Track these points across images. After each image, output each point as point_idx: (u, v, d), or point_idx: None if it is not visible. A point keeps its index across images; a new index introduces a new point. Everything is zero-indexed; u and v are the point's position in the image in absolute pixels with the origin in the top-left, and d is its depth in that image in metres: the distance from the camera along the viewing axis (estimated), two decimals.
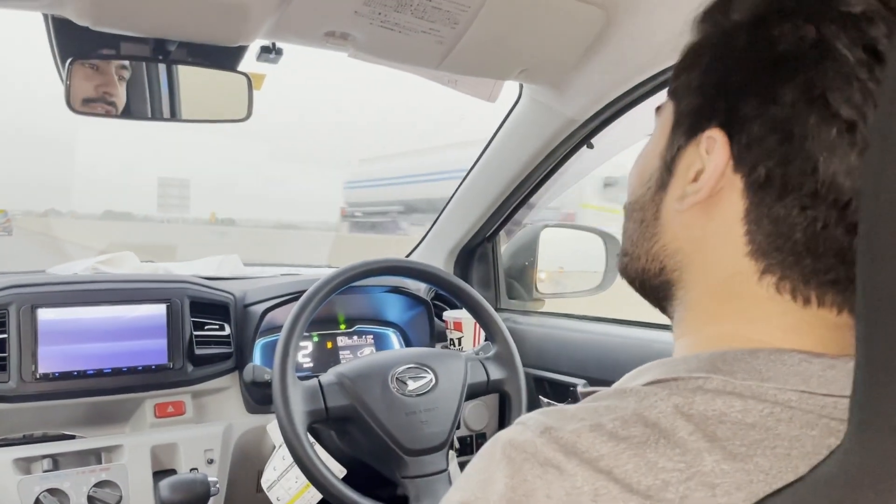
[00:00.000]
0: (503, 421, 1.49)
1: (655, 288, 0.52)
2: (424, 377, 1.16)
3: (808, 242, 0.43)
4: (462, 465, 1.40)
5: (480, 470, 0.43)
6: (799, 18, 0.43)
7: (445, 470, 1.13)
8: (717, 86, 0.46)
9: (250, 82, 1.07)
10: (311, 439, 1.13)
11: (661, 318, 0.55)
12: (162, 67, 1.06)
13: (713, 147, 0.45)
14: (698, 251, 0.48)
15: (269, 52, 1.07)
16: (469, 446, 1.52)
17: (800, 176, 0.42)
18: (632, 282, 0.54)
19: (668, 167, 0.49)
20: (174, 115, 1.10)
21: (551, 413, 0.44)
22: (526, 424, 0.43)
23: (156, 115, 1.10)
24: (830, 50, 0.41)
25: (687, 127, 0.48)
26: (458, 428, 1.17)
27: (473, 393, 1.20)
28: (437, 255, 1.73)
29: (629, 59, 1.08)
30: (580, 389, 0.53)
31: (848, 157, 0.41)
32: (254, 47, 1.06)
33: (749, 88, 0.44)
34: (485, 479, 0.42)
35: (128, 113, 1.07)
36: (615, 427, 0.40)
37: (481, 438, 1.54)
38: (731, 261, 0.46)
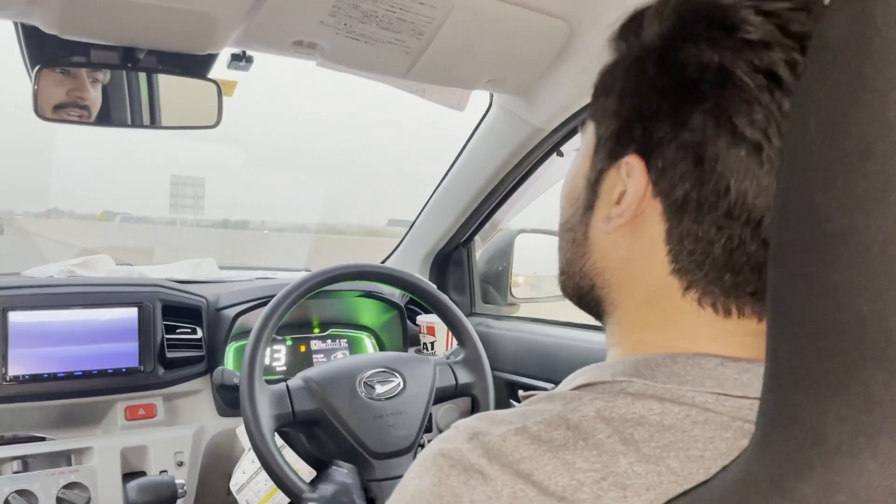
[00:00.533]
0: None
1: (589, 303, 0.53)
2: (392, 381, 1.17)
3: (727, 259, 0.45)
4: None
5: (412, 479, 0.44)
6: (702, 44, 0.44)
7: None
8: (631, 111, 0.47)
9: (220, 89, 1.08)
10: (281, 442, 1.14)
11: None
12: (142, 75, 1.07)
13: (632, 172, 0.47)
14: (624, 269, 0.49)
15: (240, 60, 1.09)
16: None
17: (714, 197, 0.44)
18: (570, 298, 0.56)
19: (593, 188, 0.50)
20: (154, 122, 1.11)
21: (483, 417, 0.45)
22: (458, 429, 0.45)
23: (135, 122, 1.11)
24: (732, 76, 0.43)
25: (607, 151, 0.49)
26: (429, 431, 1.18)
27: (442, 397, 1.22)
28: (413, 260, 1.75)
29: (593, 71, 1.09)
30: (521, 393, 0.55)
31: (757, 176, 0.43)
32: (224, 55, 1.08)
33: (661, 114, 0.45)
34: (415, 488, 0.44)
35: (106, 119, 1.08)
36: (539, 430, 0.42)
37: None
38: (656, 278, 0.47)
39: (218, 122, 1.09)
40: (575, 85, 1.14)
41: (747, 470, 0.39)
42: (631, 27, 0.50)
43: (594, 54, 1.08)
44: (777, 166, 0.40)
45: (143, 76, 1.07)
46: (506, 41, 1.04)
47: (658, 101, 0.46)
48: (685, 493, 0.40)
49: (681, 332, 0.47)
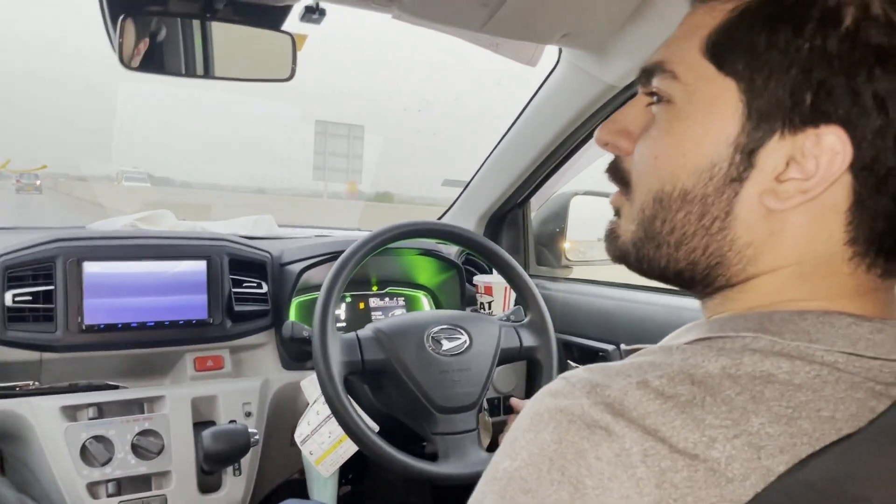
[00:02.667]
0: (531, 385, 1.51)
1: (695, 278, 0.49)
2: (459, 338, 1.17)
3: None
4: (495, 425, 1.43)
5: (527, 434, 0.42)
6: None
7: (475, 429, 1.15)
8: (833, 75, 0.41)
9: (294, 42, 1.07)
10: (348, 395, 1.16)
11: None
12: (196, 24, 1.06)
13: (821, 144, 0.42)
14: (776, 242, 0.45)
15: (313, 13, 1.08)
16: (497, 408, 1.54)
17: None
18: (650, 269, 0.51)
19: (749, 158, 0.44)
20: (207, 73, 1.10)
21: (595, 370, 0.44)
22: (571, 382, 0.43)
23: (189, 72, 1.10)
24: None
25: (784, 118, 0.43)
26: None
27: (506, 358, 1.22)
28: (468, 220, 1.74)
29: (675, 24, 1.07)
30: (623, 347, 0.54)
31: None
32: (297, 7, 1.07)
33: (874, 76, 0.41)
34: (532, 444, 0.42)
35: (160, 67, 1.08)
36: (662, 385, 0.40)
37: (509, 401, 1.56)
38: (820, 248, 0.44)
39: (292, 76, 1.08)
40: (652, 39, 1.11)
41: None
42: None
43: (675, 6, 1.05)
44: None
45: (197, 28, 1.06)
46: None
47: (873, 61, 0.41)
48: (834, 443, 0.39)
49: (823, 290, 0.45)
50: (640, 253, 0.50)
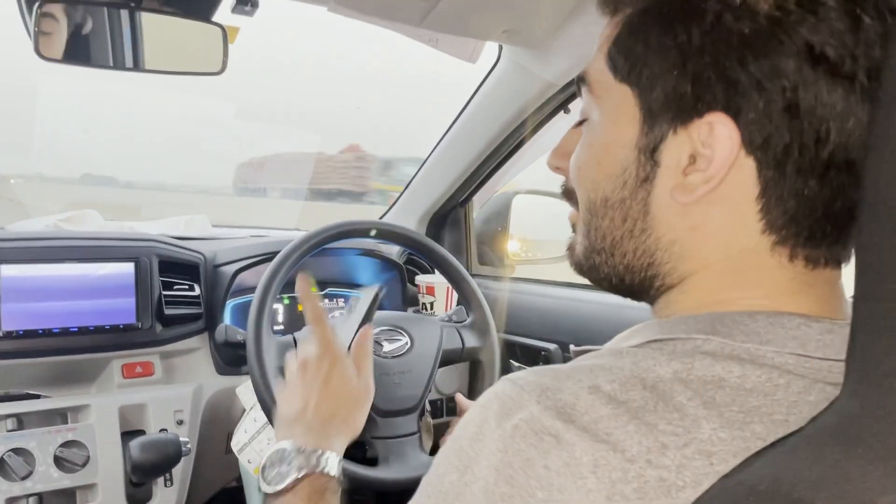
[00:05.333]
0: (474, 386, 1.50)
1: (637, 284, 0.50)
2: (400, 340, 1.15)
3: (826, 210, 0.42)
4: (438, 427, 1.41)
5: (475, 444, 0.41)
6: None
7: (416, 433, 1.13)
8: (705, 65, 0.43)
9: (226, 34, 1.03)
10: None
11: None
12: (125, 14, 1.01)
13: (713, 132, 0.43)
14: (699, 236, 0.46)
15: (245, 5, 1.04)
16: (440, 410, 1.52)
17: (814, 146, 0.41)
18: (602, 279, 0.52)
19: (651, 158, 0.46)
20: (137, 65, 1.05)
21: (544, 372, 0.43)
22: (519, 386, 0.42)
23: (118, 64, 1.05)
24: (818, 6, 0.40)
25: (673, 114, 0.44)
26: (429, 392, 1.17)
27: (448, 359, 1.20)
28: (409, 219, 1.72)
29: None
30: (573, 348, 0.53)
31: (855, 113, 0.40)
32: None
33: (745, 62, 0.41)
34: (480, 455, 0.41)
35: (86, 59, 1.03)
36: (613, 389, 0.40)
37: (451, 402, 1.55)
38: (741, 239, 0.44)
39: (223, 69, 1.04)
40: (591, 38, 1.11)
41: (840, 418, 0.38)
42: None
43: None
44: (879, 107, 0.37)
45: (125, 18, 1.02)
46: None
47: (740, 49, 0.41)
48: (774, 443, 0.38)
49: (761, 288, 0.45)
50: (588, 264, 0.52)
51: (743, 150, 0.42)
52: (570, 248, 0.55)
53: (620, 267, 0.49)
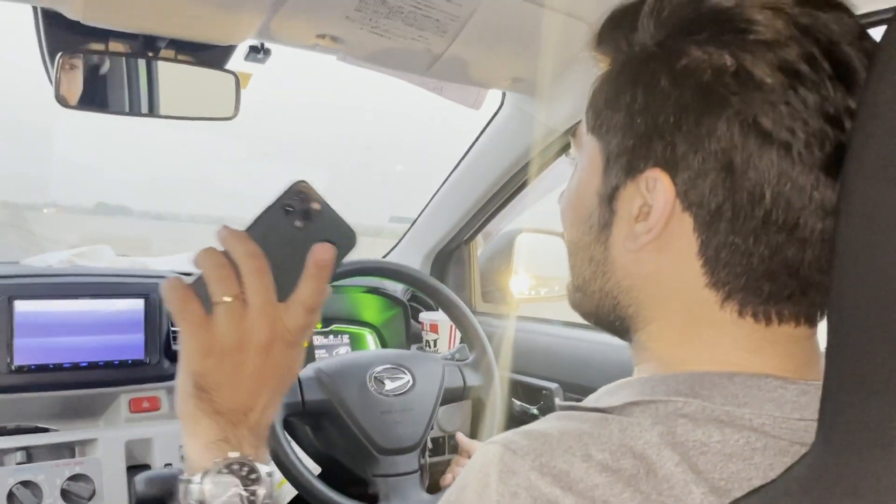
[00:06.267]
0: (476, 424, 1.51)
1: (611, 321, 0.52)
2: (402, 378, 1.17)
3: (765, 267, 0.44)
4: (433, 466, 1.42)
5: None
6: (711, 47, 0.43)
7: (417, 471, 1.14)
8: (647, 126, 0.46)
9: (238, 81, 1.07)
10: (288, 437, 1.14)
11: None
12: (141, 63, 1.05)
13: (655, 186, 0.45)
14: (654, 285, 0.48)
15: (258, 52, 1.08)
16: (441, 447, 1.53)
17: (749, 205, 0.43)
18: (586, 316, 0.55)
19: (609, 206, 0.49)
20: (152, 111, 1.09)
21: (534, 436, 0.44)
22: (513, 451, 0.43)
23: (133, 110, 1.09)
24: (752, 77, 0.42)
25: (623, 165, 0.47)
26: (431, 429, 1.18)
27: (450, 398, 1.22)
28: (414, 257, 1.75)
29: None
30: (558, 403, 0.54)
31: (790, 177, 0.42)
32: (242, 46, 1.07)
33: (682, 125, 0.44)
34: None
35: (103, 106, 1.06)
36: (605, 458, 0.41)
37: (453, 440, 1.56)
38: (691, 292, 0.46)
39: (235, 115, 1.08)
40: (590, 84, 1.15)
41: (811, 471, 0.40)
42: (620, 29, 0.48)
43: None
44: (845, 166, 0.39)
45: (142, 66, 1.06)
46: (527, 41, 1.04)
47: (677, 112, 0.44)
48: (747, 495, 0.40)
49: (722, 345, 0.46)
50: (573, 300, 0.55)
51: (680, 205, 0.45)
52: (567, 287, 0.57)
53: (592, 306, 0.53)
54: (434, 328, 1.55)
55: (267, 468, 0.50)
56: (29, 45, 1.03)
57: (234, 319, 0.50)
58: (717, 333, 0.46)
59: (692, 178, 0.44)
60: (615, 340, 0.56)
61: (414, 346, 1.60)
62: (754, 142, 0.42)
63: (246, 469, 0.49)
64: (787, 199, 0.42)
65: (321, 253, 0.52)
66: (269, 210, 0.54)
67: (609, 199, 0.49)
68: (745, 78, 0.42)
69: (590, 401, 0.50)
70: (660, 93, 0.45)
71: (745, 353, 0.46)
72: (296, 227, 0.53)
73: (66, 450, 1.18)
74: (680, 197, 0.45)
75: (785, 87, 0.42)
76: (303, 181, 0.55)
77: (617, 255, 0.49)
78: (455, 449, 1.50)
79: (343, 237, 0.55)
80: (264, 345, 0.51)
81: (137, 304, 1.26)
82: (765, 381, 0.44)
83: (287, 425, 1.15)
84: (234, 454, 0.49)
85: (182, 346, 0.52)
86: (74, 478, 1.14)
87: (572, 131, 1.29)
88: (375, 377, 1.15)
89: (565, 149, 1.36)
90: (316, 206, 0.54)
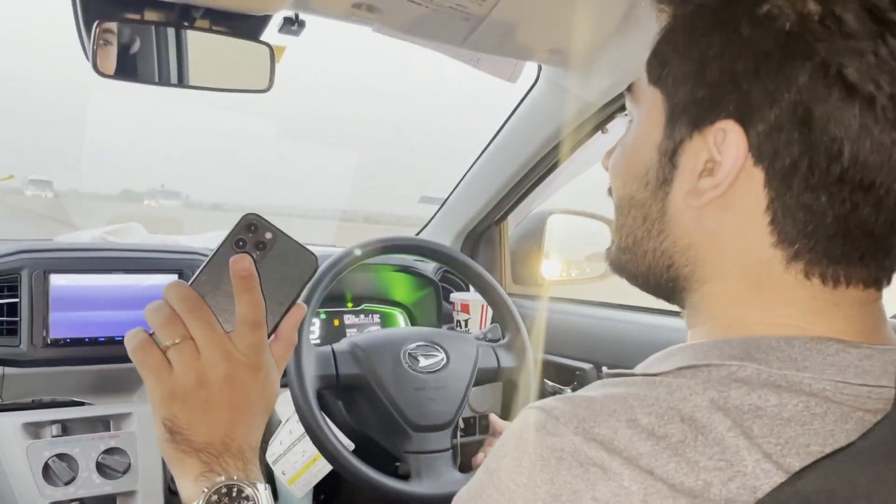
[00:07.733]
0: (507, 405, 1.50)
1: (664, 283, 0.51)
2: (436, 356, 1.16)
3: (839, 227, 0.42)
4: (465, 446, 1.41)
5: (516, 477, 0.41)
6: None
7: (449, 449, 1.13)
8: (721, 73, 0.44)
9: (272, 52, 1.06)
10: (322, 413, 1.13)
11: (668, 304, 0.54)
12: (171, 32, 1.04)
13: (725, 139, 0.43)
14: (715, 244, 0.46)
15: (292, 24, 1.07)
16: (472, 427, 1.52)
17: (826, 161, 0.41)
18: (633, 278, 0.53)
19: (670, 160, 0.47)
20: (182, 81, 1.08)
21: (578, 402, 0.42)
22: (555, 416, 0.42)
23: (163, 80, 1.08)
24: (840, 23, 0.40)
25: (690, 118, 0.46)
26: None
27: (483, 378, 1.20)
28: (445, 237, 1.73)
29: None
30: (605, 370, 0.53)
31: (872, 133, 0.40)
32: (276, 18, 1.06)
33: (759, 74, 0.42)
34: (519, 484, 0.41)
35: (134, 75, 1.06)
36: (651, 423, 0.39)
37: (484, 420, 1.55)
38: (755, 251, 0.45)
39: (270, 87, 1.06)
40: (633, 58, 1.12)
41: (894, 434, 0.38)
42: None
43: (654, 26, 1.06)
44: None
45: (172, 36, 1.05)
46: (568, 8, 1.02)
47: (756, 59, 0.42)
48: (824, 457, 0.38)
49: (783, 307, 0.44)
50: (620, 262, 0.54)
51: (751, 159, 0.43)
52: (608, 249, 0.56)
53: (643, 267, 0.51)
54: (465, 308, 1.54)
55: (260, 484, 0.52)
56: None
57: (187, 359, 0.53)
58: (779, 294, 0.45)
59: (767, 130, 0.42)
60: (650, 319, 0.54)
61: (445, 326, 1.59)
62: (838, 94, 0.40)
63: (235, 490, 0.51)
64: (866, 156, 0.40)
65: (236, 265, 0.54)
66: (221, 247, 0.56)
67: (671, 153, 0.47)
68: (832, 24, 0.40)
69: (639, 368, 0.49)
70: (739, 39, 0.43)
71: (807, 316, 0.44)
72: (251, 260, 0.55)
73: (101, 423, 1.19)
74: (752, 151, 0.43)
75: (875, 36, 0.40)
76: (252, 214, 0.56)
77: (676, 213, 0.48)
78: (486, 430, 1.49)
79: (302, 261, 0.57)
80: (224, 375, 0.53)
81: (171, 280, 1.26)
82: (826, 344, 0.42)
83: (320, 400, 1.15)
84: (220, 479, 0.51)
85: (149, 394, 0.54)
86: (110, 451, 1.15)
87: (611, 105, 1.27)
88: (410, 353, 1.14)
89: (602, 124, 1.33)
90: (269, 235, 0.56)
